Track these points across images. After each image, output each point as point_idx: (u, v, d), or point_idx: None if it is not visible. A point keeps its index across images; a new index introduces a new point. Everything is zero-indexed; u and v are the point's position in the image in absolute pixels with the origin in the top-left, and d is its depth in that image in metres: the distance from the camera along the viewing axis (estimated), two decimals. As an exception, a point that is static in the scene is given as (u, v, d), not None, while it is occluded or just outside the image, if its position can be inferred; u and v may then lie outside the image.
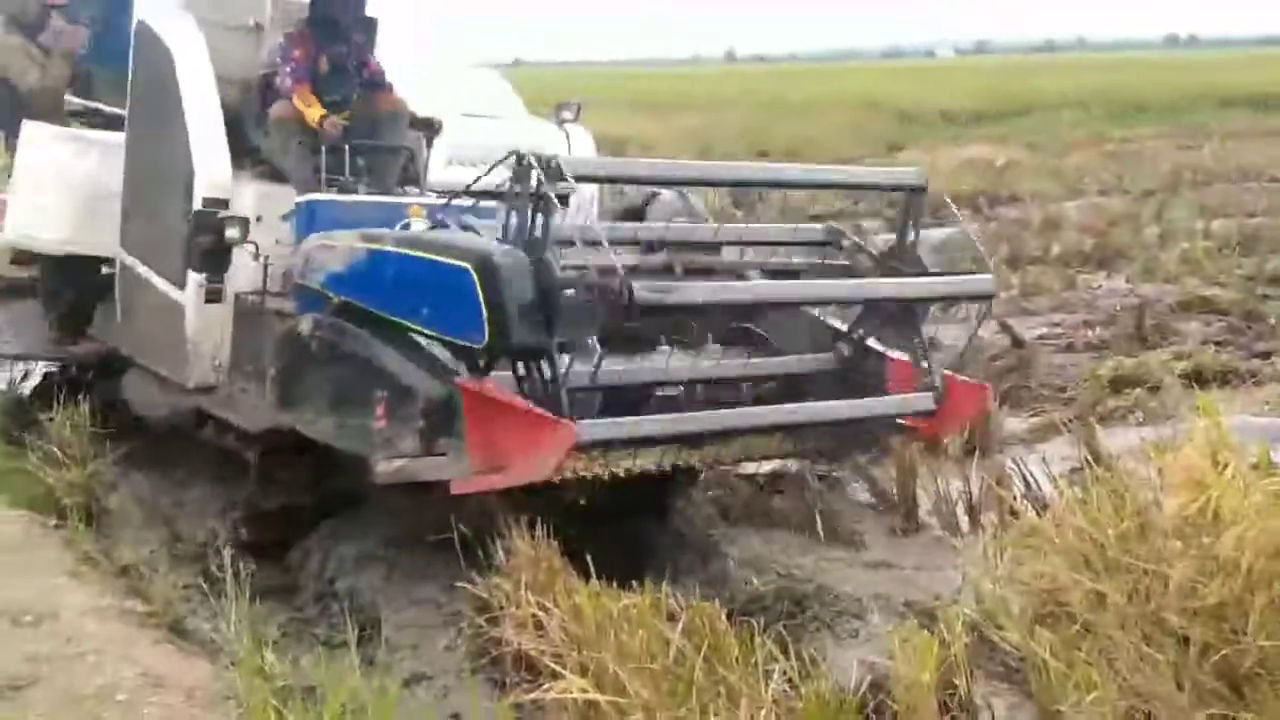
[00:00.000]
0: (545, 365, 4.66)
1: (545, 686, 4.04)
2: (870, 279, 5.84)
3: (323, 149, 6.47)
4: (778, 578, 5.46)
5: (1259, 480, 4.24)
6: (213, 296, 6.01)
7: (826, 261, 6.15)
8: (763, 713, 3.78)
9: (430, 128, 7.05)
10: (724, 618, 4.33)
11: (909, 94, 35.03)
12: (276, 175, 6.52)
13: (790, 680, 4.02)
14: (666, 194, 6.79)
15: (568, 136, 8.02)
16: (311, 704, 4.05)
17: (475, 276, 4.62)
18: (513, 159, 4.70)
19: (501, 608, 4.58)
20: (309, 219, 5.92)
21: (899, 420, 5.73)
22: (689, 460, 5.48)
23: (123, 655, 4.63)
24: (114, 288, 6.80)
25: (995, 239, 13.57)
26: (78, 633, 4.76)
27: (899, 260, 5.68)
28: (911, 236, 5.70)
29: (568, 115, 8.28)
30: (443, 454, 4.84)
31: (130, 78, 6.49)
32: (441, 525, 5.52)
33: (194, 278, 5.99)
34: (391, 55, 7.35)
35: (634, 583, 4.55)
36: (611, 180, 5.55)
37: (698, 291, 5.41)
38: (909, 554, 5.83)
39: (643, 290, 4.62)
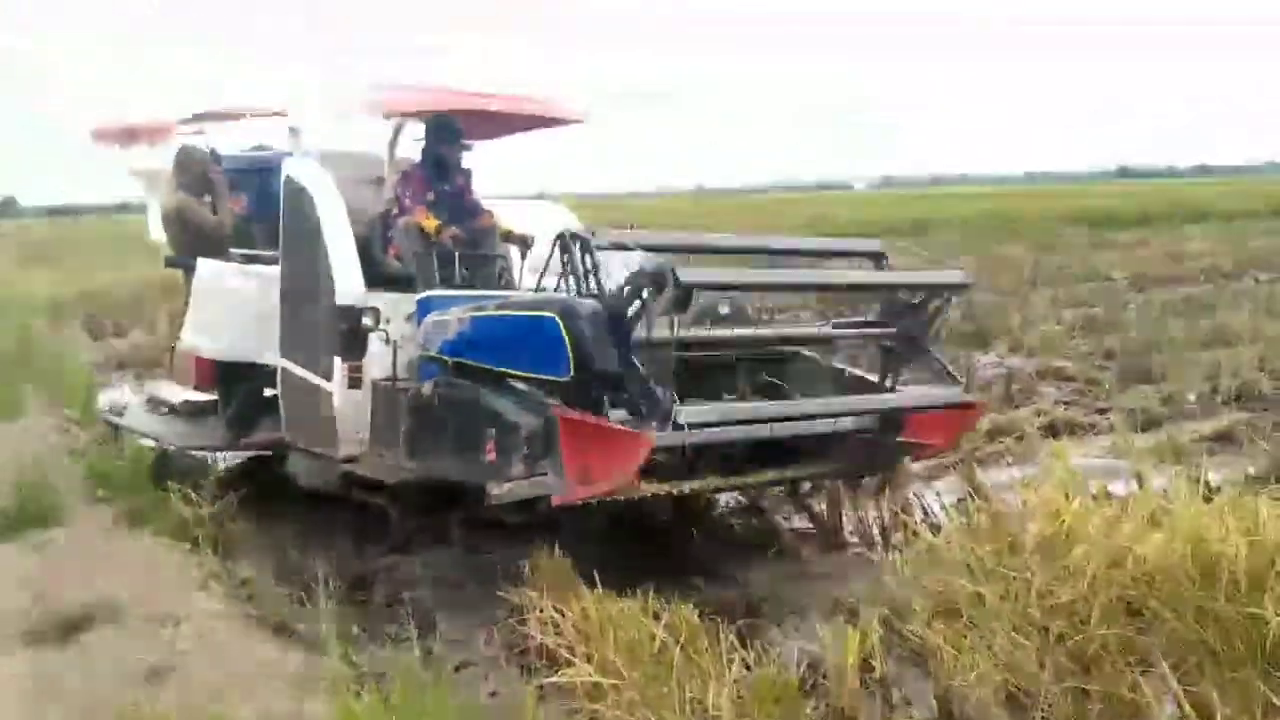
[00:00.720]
0: (634, 386, 4.57)
1: (561, 672, 4.04)
2: (865, 272, 5.72)
3: (434, 253, 6.27)
4: (738, 585, 5.42)
5: (1098, 508, 4.26)
6: (354, 383, 5.84)
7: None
8: (725, 690, 3.76)
9: (524, 243, 6.80)
10: (697, 618, 4.28)
11: (839, 215, 35.20)
12: (399, 288, 6.18)
13: (747, 665, 4.00)
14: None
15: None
16: (382, 687, 4.01)
17: (559, 321, 4.61)
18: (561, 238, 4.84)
19: (528, 611, 4.54)
20: (426, 309, 5.74)
21: (913, 442, 5.59)
22: (740, 482, 5.65)
23: (241, 650, 4.58)
24: (276, 390, 6.59)
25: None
26: (206, 632, 4.72)
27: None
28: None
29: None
30: (544, 474, 4.73)
31: (281, 221, 6.35)
32: (480, 546, 5.62)
33: (338, 368, 5.84)
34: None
35: (629, 590, 4.47)
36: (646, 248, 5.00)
37: (736, 276, 5.49)
38: (837, 566, 5.77)
39: (687, 274, 4.49)
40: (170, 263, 7.59)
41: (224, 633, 4.77)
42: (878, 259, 5.69)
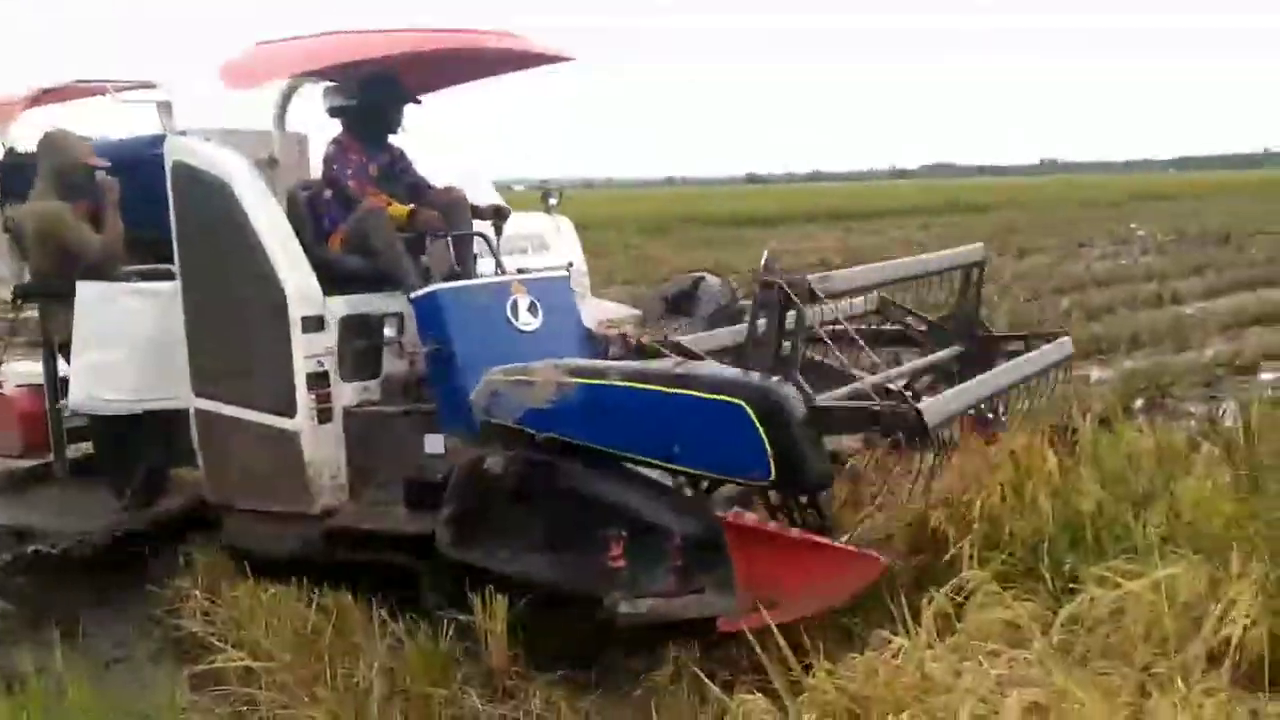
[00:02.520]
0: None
1: (211, 659, 3.85)
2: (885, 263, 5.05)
3: (424, 240, 4.88)
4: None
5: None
6: (324, 416, 4.42)
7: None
8: (376, 664, 3.67)
9: (499, 215, 5.16)
10: (350, 597, 4.10)
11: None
12: (346, 282, 4.64)
13: (399, 638, 3.88)
14: (711, 278, 5.64)
15: (557, 223, 6.41)
16: (21, 687, 3.66)
17: (751, 412, 3.45)
18: (760, 272, 3.64)
19: (182, 603, 4.33)
20: (433, 310, 4.32)
21: None
22: None
23: None
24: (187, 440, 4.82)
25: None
26: None
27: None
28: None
29: (553, 202, 6.58)
30: (698, 590, 3.57)
31: (175, 222, 4.63)
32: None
33: (304, 400, 4.37)
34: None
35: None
36: (847, 293, 4.08)
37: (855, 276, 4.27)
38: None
39: (932, 412, 3.52)
40: (23, 293, 5.33)
41: None
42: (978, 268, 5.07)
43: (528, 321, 4.52)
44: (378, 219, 4.72)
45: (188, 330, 4.64)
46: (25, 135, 5.33)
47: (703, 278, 5.68)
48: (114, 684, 4.01)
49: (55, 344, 5.05)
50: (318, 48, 4.82)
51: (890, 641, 2.95)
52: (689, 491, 3.82)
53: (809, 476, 3.49)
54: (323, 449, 4.42)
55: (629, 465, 3.83)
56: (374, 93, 4.95)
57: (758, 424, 3.41)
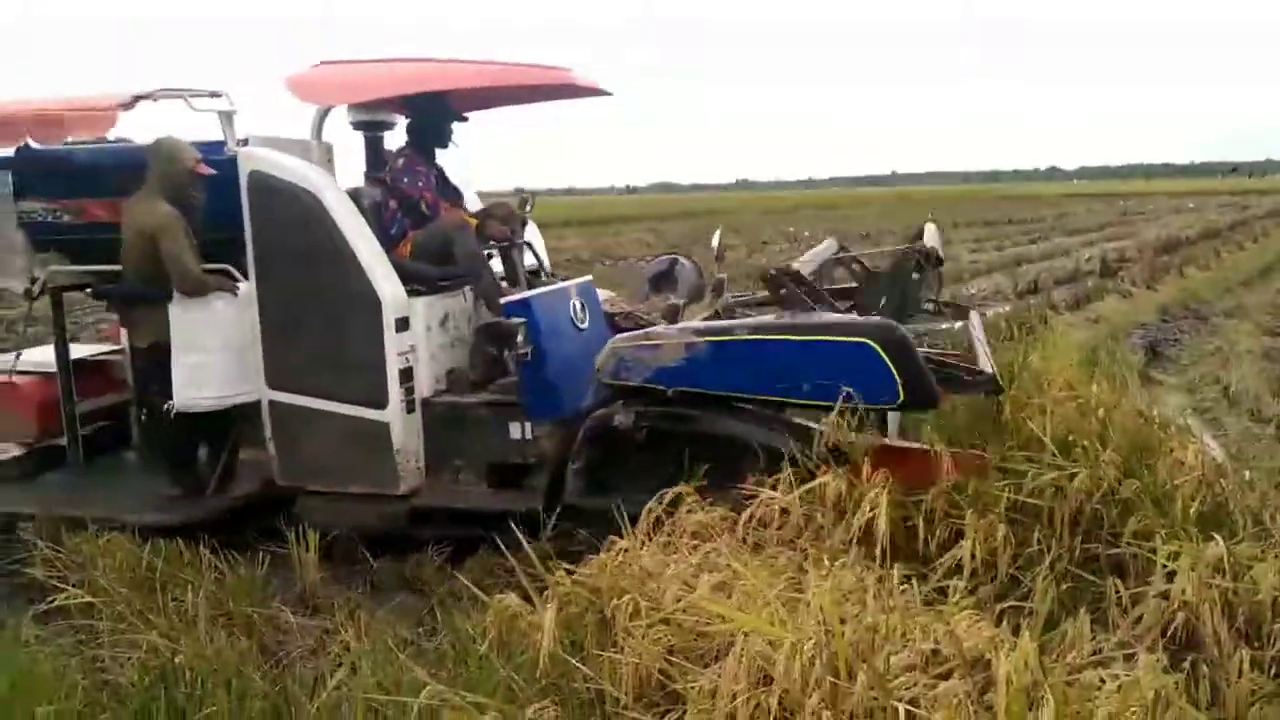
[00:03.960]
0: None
1: (50, 599, 3.94)
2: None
3: (497, 250, 5.15)
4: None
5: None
6: (410, 407, 4.52)
7: None
8: (202, 593, 3.84)
9: (523, 224, 5.42)
10: (179, 540, 4.29)
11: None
12: (420, 286, 4.75)
13: (222, 571, 4.11)
14: (684, 260, 6.02)
15: (530, 226, 6.27)
16: None
17: (878, 347, 3.82)
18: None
19: (28, 554, 4.36)
20: (527, 311, 4.41)
21: None
22: None
23: None
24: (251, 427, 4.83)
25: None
26: None
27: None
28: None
29: (527, 208, 7.09)
30: None
31: (254, 228, 4.58)
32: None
33: (395, 393, 4.46)
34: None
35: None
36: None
37: None
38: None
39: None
40: (104, 294, 5.19)
41: None
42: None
43: (583, 320, 4.77)
44: (464, 232, 4.89)
45: (264, 329, 4.62)
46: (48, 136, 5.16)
47: (677, 259, 6.02)
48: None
49: (137, 347, 4.89)
50: (403, 75, 4.84)
51: (616, 543, 3.37)
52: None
53: (932, 395, 3.86)
54: (409, 437, 4.51)
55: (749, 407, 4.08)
56: (431, 112, 5.08)
57: (884, 357, 3.78)
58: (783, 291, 4.63)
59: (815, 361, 3.88)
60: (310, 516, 4.56)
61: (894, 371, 3.78)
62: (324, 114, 4.89)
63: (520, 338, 4.30)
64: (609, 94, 5.39)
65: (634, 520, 3.50)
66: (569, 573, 3.30)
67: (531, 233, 6.29)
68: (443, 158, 5.40)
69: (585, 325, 4.77)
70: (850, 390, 3.78)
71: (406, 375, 4.51)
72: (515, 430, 4.47)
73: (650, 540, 3.43)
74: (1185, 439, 3.95)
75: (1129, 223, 33.16)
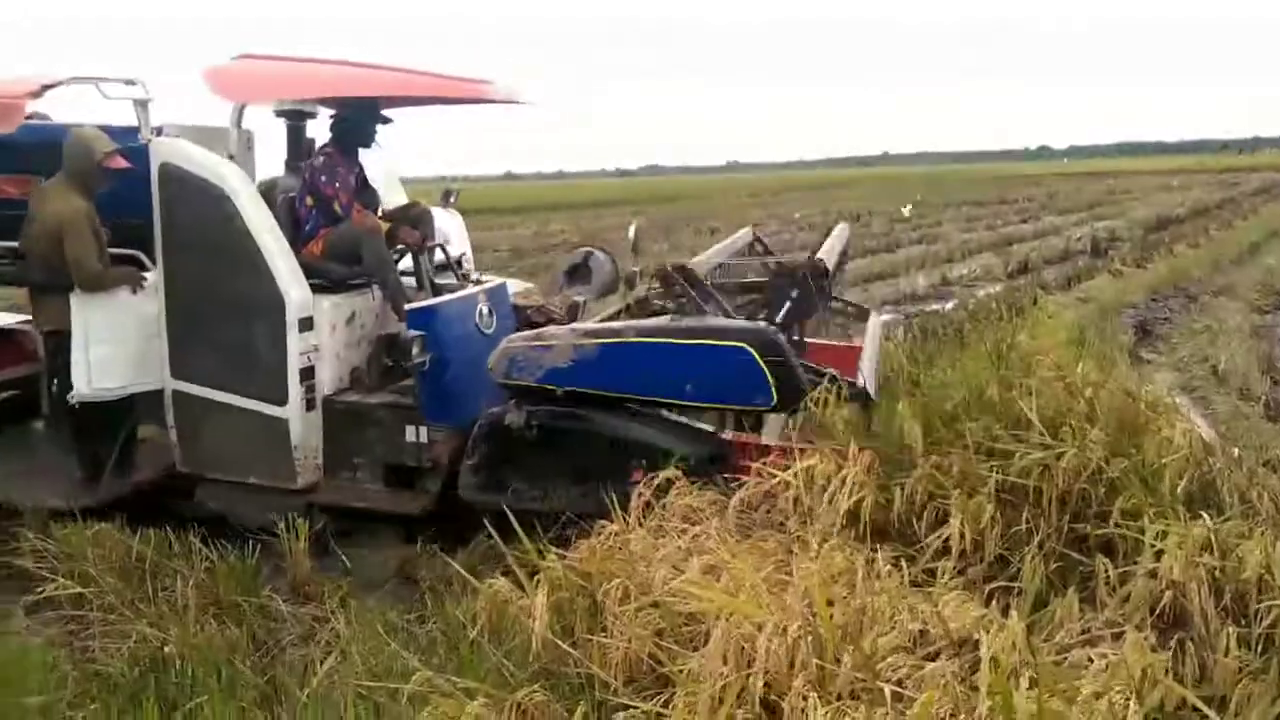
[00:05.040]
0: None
1: (39, 589, 3.94)
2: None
3: (409, 254, 5.15)
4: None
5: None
6: (310, 405, 4.56)
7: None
8: (191, 582, 3.89)
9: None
10: (167, 529, 4.31)
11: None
12: (322, 286, 4.78)
13: (211, 560, 4.11)
14: (598, 253, 5.98)
15: (452, 216, 6.82)
16: None
17: (753, 351, 3.91)
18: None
19: (18, 542, 4.32)
20: (429, 323, 4.49)
21: None
22: None
23: None
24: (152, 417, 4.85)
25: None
26: None
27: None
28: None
29: (451, 200, 7.02)
30: None
31: (159, 219, 4.61)
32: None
33: (295, 391, 4.51)
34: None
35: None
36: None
37: None
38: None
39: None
40: (14, 280, 5.14)
41: None
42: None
43: (489, 325, 4.80)
44: (374, 237, 4.91)
45: (168, 319, 4.63)
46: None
47: (591, 253, 6.00)
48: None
49: (42, 331, 4.88)
50: (320, 77, 4.85)
51: (605, 527, 3.37)
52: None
53: (801, 397, 3.92)
54: (308, 434, 4.55)
55: (638, 408, 4.13)
56: (357, 113, 5.09)
57: (759, 361, 3.88)
58: (676, 290, 4.65)
59: (696, 364, 3.98)
60: (207, 504, 4.70)
61: (768, 375, 3.88)
62: (243, 105, 4.87)
63: (416, 349, 4.35)
64: (532, 104, 5.54)
65: (523, 517, 3.52)
66: (560, 557, 3.28)
67: (457, 224, 6.35)
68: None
69: (491, 330, 4.78)
70: (728, 392, 3.97)
71: (308, 374, 4.55)
72: (410, 434, 4.51)
73: (641, 524, 3.40)
74: (1173, 418, 3.94)
75: (1116, 201, 33.17)
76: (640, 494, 3.58)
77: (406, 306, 4.66)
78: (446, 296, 4.85)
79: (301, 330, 4.49)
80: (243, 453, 4.64)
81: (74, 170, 4.69)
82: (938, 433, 3.73)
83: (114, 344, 4.63)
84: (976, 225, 23.15)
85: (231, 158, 4.81)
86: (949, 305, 6.50)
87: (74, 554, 4.13)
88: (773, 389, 3.90)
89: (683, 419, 4.18)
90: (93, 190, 4.71)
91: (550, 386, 4.16)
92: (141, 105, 4.70)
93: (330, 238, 5.00)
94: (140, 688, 3.13)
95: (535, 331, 4.35)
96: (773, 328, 4.09)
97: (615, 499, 3.54)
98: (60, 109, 5.33)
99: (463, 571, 3.47)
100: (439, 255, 5.47)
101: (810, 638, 2.45)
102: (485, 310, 4.84)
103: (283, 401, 4.52)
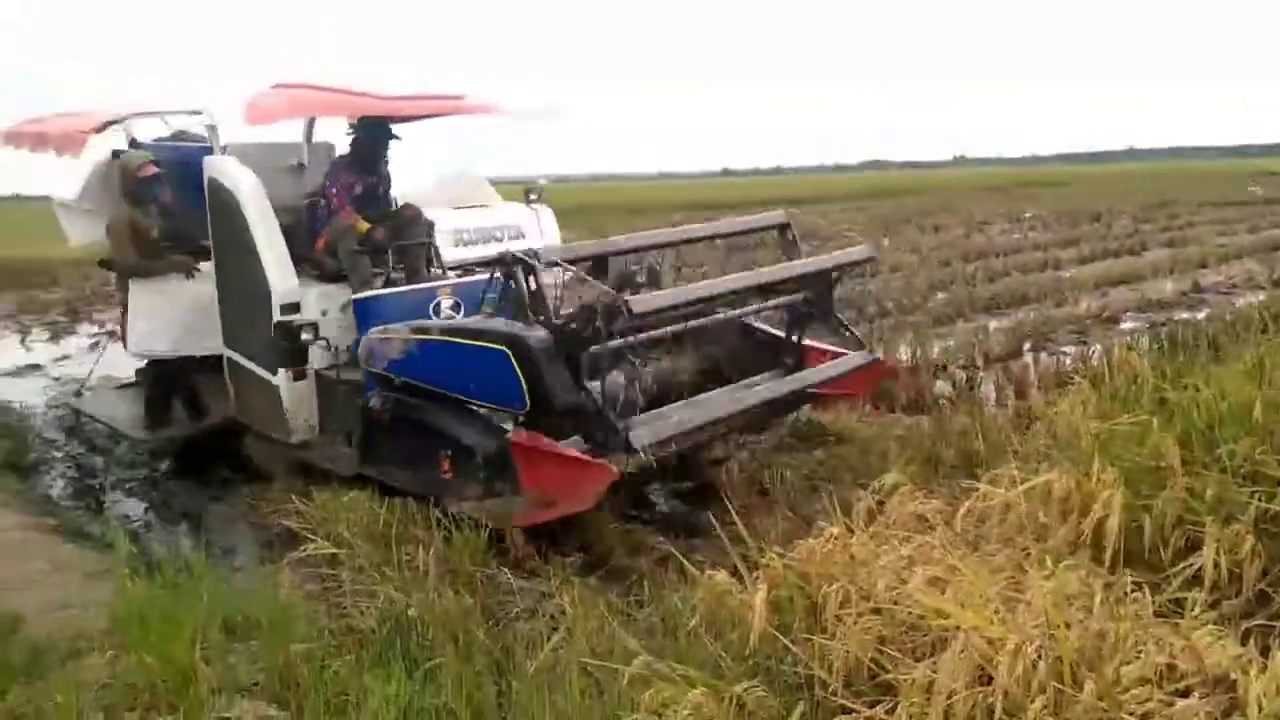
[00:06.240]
0: (589, 414, 4.09)
1: (302, 548, 4.28)
2: (784, 264, 5.16)
3: (372, 251, 5.78)
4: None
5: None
6: (299, 376, 5.38)
7: None
8: (432, 551, 4.07)
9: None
10: (410, 500, 4.51)
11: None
12: (327, 276, 5.73)
13: (449, 534, 4.27)
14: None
15: (537, 213, 7.28)
16: (154, 570, 4.05)
17: (510, 355, 4.09)
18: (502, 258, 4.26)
19: (279, 505, 4.77)
20: (363, 311, 5.24)
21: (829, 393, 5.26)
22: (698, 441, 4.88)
23: (40, 551, 4.62)
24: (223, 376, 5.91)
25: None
26: (8, 540, 4.73)
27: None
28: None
29: (534, 197, 7.39)
30: (499, 495, 4.22)
31: (210, 221, 5.65)
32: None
33: (283, 368, 5.39)
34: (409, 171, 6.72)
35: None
36: (576, 260, 4.57)
37: (671, 295, 4.51)
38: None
39: (639, 304, 4.03)
40: (108, 264, 6.40)
41: (24, 539, 4.78)
42: (784, 229, 5.36)
43: (449, 317, 5.23)
44: (347, 235, 5.66)
45: (220, 300, 5.73)
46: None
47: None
48: (224, 566, 4.53)
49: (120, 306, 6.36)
50: (327, 101, 5.76)
51: (826, 529, 3.33)
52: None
53: (555, 400, 3.99)
54: (298, 399, 5.37)
55: (457, 400, 4.43)
56: (368, 132, 5.86)
57: (515, 365, 4.03)
58: (510, 281, 4.47)
59: (475, 364, 4.20)
60: (246, 449, 5.86)
61: (521, 380, 3.98)
62: (311, 121, 6.30)
63: (306, 336, 5.09)
64: (506, 113, 6.18)
65: (393, 492, 4.20)
66: (779, 555, 3.29)
67: (541, 219, 7.09)
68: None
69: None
70: (495, 394, 4.15)
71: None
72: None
73: (862, 529, 3.35)
74: None
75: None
76: (860, 498, 3.53)
77: (351, 297, 5.40)
78: (393, 289, 5.50)
79: (285, 313, 5.27)
80: (261, 410, 5.57)
81: (124, 185, 6.01)
82: (1193, 452, 3.45)
83: (155, 318, 5.92)
84: (1236, 227, 21.09)
85: (302, 165, 6.24)
86: (1202, 314, 5.97)
87: (329, 518, 4.47)
88: (525, 394, 4.02)
89: (484, 412, 4.41)
90: (141, 198, 5.97)
91: (391, 376, 4.64)
92: (210, 129, 5.69)
93: (329, 234, 5.77)
94: (388, 645, 3.34)
95: (383, 327, 4.79)
96: (540, 334, 4.09)
97: (431, 483, 4.20)
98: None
99: (682, 558, 3.50)
100: (449, 252, 6.36)
101: (1048, 659, 2.34)
102: (447, 303, 5.38)
103: (275, 371, 5.35)
